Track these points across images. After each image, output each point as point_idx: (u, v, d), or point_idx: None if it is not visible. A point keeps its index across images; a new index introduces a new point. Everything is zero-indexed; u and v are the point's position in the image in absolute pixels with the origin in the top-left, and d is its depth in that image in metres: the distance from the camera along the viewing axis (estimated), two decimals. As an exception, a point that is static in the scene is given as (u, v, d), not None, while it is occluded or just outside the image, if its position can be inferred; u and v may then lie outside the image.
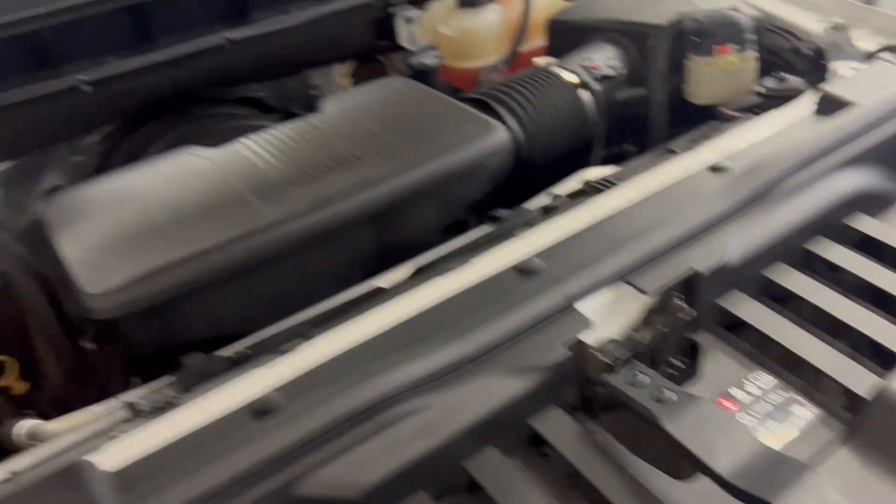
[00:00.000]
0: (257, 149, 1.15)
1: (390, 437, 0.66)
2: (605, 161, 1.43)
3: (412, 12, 1.63)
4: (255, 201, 1.04)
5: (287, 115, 1.71)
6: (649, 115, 1.38)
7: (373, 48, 1.65)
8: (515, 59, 1.61)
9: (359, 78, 1.79)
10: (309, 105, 1.80)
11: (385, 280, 1.03)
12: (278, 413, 0.67)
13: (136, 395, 0.88)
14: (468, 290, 0.80)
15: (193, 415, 0.71)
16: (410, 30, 1.63)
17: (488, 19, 1.59)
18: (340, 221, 1.03)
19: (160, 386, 0.88)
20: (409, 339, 0.74)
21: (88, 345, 1.13)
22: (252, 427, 0.66)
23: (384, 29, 1.61)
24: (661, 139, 1.38)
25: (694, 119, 1.39)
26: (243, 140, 1.18)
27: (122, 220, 1.03)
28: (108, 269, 0.94)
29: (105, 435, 0.79)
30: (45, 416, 1.15)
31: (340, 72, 1.77)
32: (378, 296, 0.96)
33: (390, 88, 1.32)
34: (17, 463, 0.79)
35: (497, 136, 1.16)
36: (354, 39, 1.61)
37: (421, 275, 1.00)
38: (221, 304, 1.00)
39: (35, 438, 0.93)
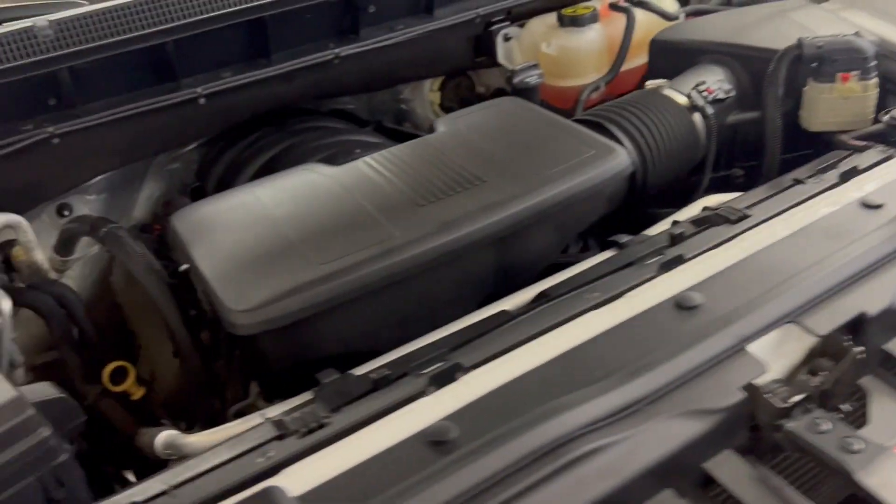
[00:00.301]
0: (380, 168, 1.16)
1: (573, 477, 0.65)
2: (711, 184, 1.42)
3: (511, 30, 1.63)
4: (384, 222, 1.04)
5: (378, 128, 1.73)
6: (764, 141, 1.35)
7: (471, 64, 1.65)
8: (615, 78, 1.60)
9: (446, 92, 1.80)
10: (399, 118, 1.83)
11: (510, 303, 1.02)
12: (456, 445, 0.67)
13: (278, 411, 0.88)
14: (628, 324, 0.79)
15: (363, 440, 0.71)
16: (509, 47, 1.64)
17: (589, 38, 1.58)
18: (468, 243, 1.03)
19: (301, 403, 0.89)
20: (574, 373, 0.73)
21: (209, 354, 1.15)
22: (433, 460, 0.66)
23: (483, 46, 1.62)
24: (775, 164, 1.35)
25: (802, 144, 1.36)
26: (365, 159, 1.18)
27: (255, 236, 1.04)
28: (248, 285, 0.95)
29: (258, 452, 0.80)
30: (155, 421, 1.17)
31: (430, 86, 1.78)
32: (508, 320, 0.96)
33: (504, 109, 1.32)
34: (173, 476, 0.80)
35: (618, 160, 1.15)
36: (454, 55, 1.62)
37: (545, 299, 0.99)
38: (352, 322, 1.01)
39: (172, 449, 0.94)
